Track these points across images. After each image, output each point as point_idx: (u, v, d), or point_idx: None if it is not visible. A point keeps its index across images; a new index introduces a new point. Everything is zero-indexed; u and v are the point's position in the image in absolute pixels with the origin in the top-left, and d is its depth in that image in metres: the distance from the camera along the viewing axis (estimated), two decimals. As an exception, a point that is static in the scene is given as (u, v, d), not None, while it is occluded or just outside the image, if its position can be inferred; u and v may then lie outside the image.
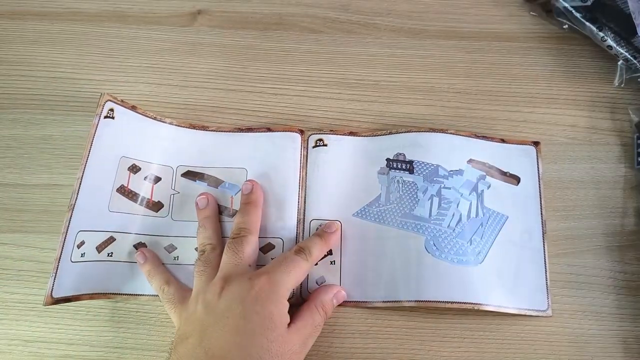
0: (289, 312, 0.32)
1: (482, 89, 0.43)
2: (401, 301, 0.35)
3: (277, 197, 0.38)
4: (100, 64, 0.43)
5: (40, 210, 0.39)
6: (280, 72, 0.44)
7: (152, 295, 0.36)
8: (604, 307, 0.37)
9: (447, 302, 0.34)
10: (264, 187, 0.38)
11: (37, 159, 0.40)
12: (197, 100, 0.42)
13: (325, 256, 0.37)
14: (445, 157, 0.39)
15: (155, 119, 0.39)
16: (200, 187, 0.39)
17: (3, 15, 0.45)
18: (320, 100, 0.43)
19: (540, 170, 0.40)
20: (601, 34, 0.42)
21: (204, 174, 0.39)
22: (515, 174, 0.39)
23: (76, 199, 0.34)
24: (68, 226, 0.34)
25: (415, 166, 0.39)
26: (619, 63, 0.42)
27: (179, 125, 0.40)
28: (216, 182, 0.39)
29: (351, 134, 0.41)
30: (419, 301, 0.35)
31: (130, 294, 0.36)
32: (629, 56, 0.41)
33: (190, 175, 0.39)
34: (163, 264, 0.36)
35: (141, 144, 0.38)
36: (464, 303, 0.34)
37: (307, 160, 0.39)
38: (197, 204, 0.38)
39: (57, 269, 0.33)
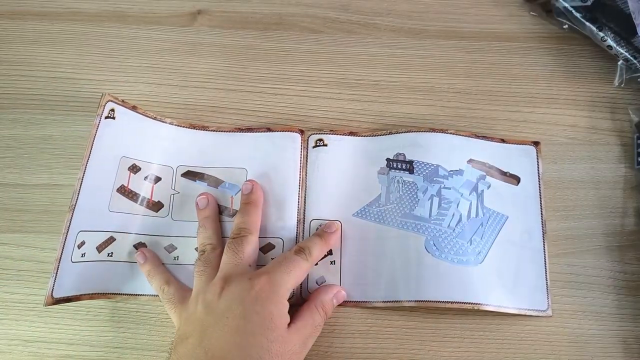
0: (289, 312, 0.32)
1: (482, 89, 0.43)
2: (401, 301, 0.35)
3: (277, 197, 0.38)
4: (100, 64, 0.43)
5: (40, 210, 0.39)
6: (280, 72, 0.44)
7: (152, 295, 0.36)
8: (604, 307, 0.37)
9: (447, 302, 0.34)
10: (264, 187, 0.38)
11: (37, 159, 0.40)
12: (197, 100, 0.42)
13: (325, 256, 0.37)
14: (445, 157, 0.39)
15: (155, 119, 0.39)
16: (200, 187, 0.39)
17: (3, 15, 0.45)
18: (320, 100, 0.43)
19: (540, 170, 0.40)
20: (601, 34, 0.42)
21: (204, 174, 0.39)
22: (515, 174, 0.39)
23: (77, 199, 0.34)
24: (69, 226, 0.34)
25: (415, 166, 0.39)
26: (619, 63, 0.42)
27: (179, 125, 0.40)
28: (216, 182, 0.39)
29: (351, 134, 0.41)
30: (419, 301, 0.35)
31: (130, 294, 0.36)
32: (629, 56, 0.41)
33: (190, 175, 0.39)
34: (163, 264, 0.36)
35: (141, 144, 0.38)
36: (464, 303, 0.34)
37: (307, 160, 0.39)
38: (197, 204, 0.38)
39: (57, 269, 0.33)
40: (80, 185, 0.35)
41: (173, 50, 0.44)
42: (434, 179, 0.38)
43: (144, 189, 0.38)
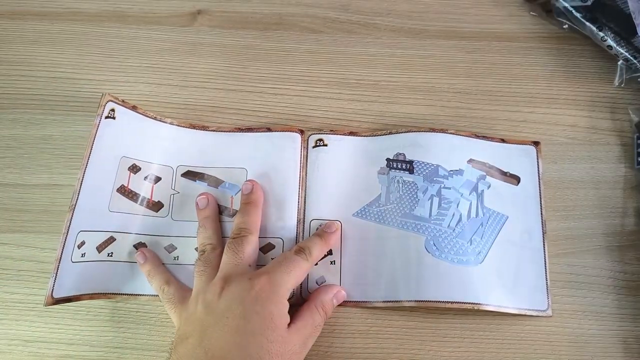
0: (289, 312, 0.32)
1: (482, 89, 0.43)
2: (401, 301, 0.35)
3: (277, 197, 0.38)
4: (100, 64, 0.43)
5: (40, 210, 0.39)
6: (280, 72, 0.44)
7: (152, 295, 0.36)
8: (604, 307, 0.37)
9: (447, 302, 0.34)
10: (264, 187, 0.38)
11: (37, 159, 0.40)
12: (197, 100, 0.42)
13: (325, 256, 0.37)
14: (445, 157, 0.39)
15: (155, 119, 0.39)
16: (200, 187, 0.39)
17: (3, 15, 0.45)
18: (320, 100, 0.43)
19: (540, 170, 0.40)
20: (601, 34, 0.42)
21: (204, 174, 0.39)
22: (515, 174, 0.39)
23: (77, 199, 0.34)
24: (69, 226, 0.34)
25: (415, 166, 0.39)
26: (619, 63, 0.42)
27: (179, 125, 0.40)
28: (216, 182, 0.39)
29: (351, 134, 0.41)
30: (419, 301, 0.35)
31: (130, 294, 0.36)
32: (629, 56, 0.41)
33: (190, 175, 0.39)
34: (163, 264, 0.36)
35: (141, 144, 0.38)
36: (464, 303, 0.34)
37: (307, 160, 0.39)
38: (197, 204, 0.38)
39: (57, 269, 0.33)
40: (80, 185, 0.35)
41: (173, 50, 0.44)
42: (434, 179, 0.38)
43: (144, 189, 0.38)
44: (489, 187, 0.39)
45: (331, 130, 0.41)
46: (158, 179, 0.39)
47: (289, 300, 0.32)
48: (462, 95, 0.43)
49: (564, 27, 0.44)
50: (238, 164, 0.39)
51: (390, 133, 0.40)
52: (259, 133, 0.40)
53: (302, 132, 0.40)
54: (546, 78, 0.44)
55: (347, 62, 0.44)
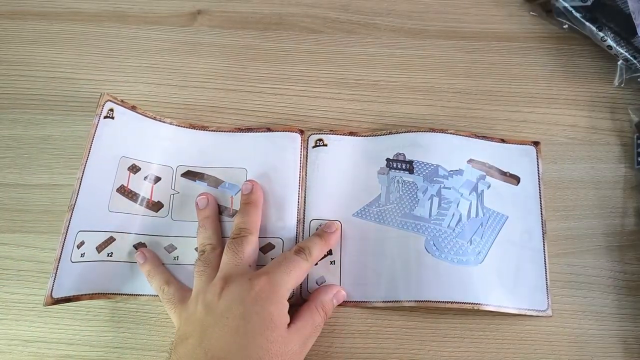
0: (289, 312, 0.32)
1: (482, 89, 0.43)
2: (401, 301, 0.35)
3: (277, 197, 0.38)
4: (100, 64, 0.43)
5: (40, 210, 0.39)
6: (280, 72, 0.44)
7: (152, 295, 0.36)
8: (604, 307, 0.37)
9: (447, 302, 0.34)
10: (264, 187, 0.38)
11: (37, 159, 0.40)
12: (197, 100, 0.42)
13: (325, 256, 0.37)
14: (445, 157, 0.39)
15: (155, 119, 0.39)
16: (200, 187, 0.39)
17: (3, 15, 0.45)
18: (320, 100, 0.43)
19: (540, 170, 0.40)
20: (601, 34, 0.42)
21: (204, 174, 0.39)
22: (515, 174, 0.39)
23: (76, 199, 0.34)
24: (68, 226, 0.34)
25: (415, 166, 0.39)
26: (619, 63, 0.42)
27: (178, 125, 0.40)
28: (216, 182, 0.39)
29: (351, 134, 0.41)
30: (419, 301, 0.35)
31: (130, 294, 0.36)
32: (629, 56, 0.41)
33: (190, 175, 0.39)
34: (163, 264, 0.36)
35: (141, 144, 0.38)
36: (464, 303, 0.34)
37: (307, 160, 0.39)
38: (197, 204, 0.38)
39: (57, 269, 0.33)
40: (79, 185, 0.34)
41: (173, 50, 0.44)
42: (434, 179, 0.38)
43: (144, 189, 0.38)
44: (488, 187, 0.39)
45: (331, 130, 0.41)
46: (158, 179, 0.39)
47: (289, 300, 0.32)
48: (462, 95, 0.43)
49: (564, 27, 0.44)
50: (238, 164, 0.39)
51: (390, 133, 0.40)
52: (258, 133, 0.40)
53: (302, 132, 0.40)
54: (546, 78, 0.44)
55: (346, 62, 0.44)
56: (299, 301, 0.35)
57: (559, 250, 0.38)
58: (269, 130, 0.40)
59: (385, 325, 0.36)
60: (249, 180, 0.38)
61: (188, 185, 0.39)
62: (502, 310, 0.35)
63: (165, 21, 0.45)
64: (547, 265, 0.37)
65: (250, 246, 0.34)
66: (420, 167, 0.39)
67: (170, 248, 0.37)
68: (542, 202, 0.39)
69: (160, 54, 0.44)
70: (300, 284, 0.36)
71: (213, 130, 0.41)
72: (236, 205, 0.38)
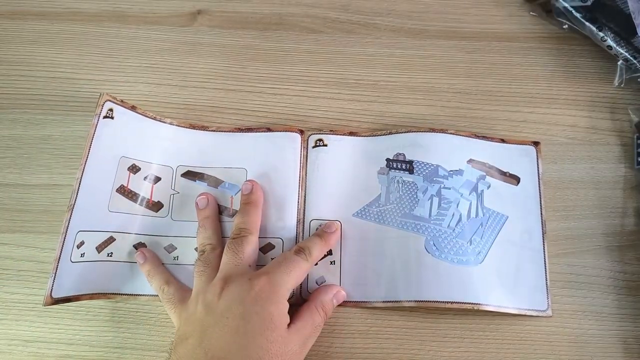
0: (289, 312, 0.32)
1: (482, 89, 0.43)
2: (401, 301, 0.35)
3: (277, 197, 0.38)
4: (100, 64, 0.43)
5: (40, 210, 0.39)
6: (279, 72, 0.44)
7: (152, 295, 0.36)
8: (604, 307, 0.37)
9: (447, 302, 0.34)
10: (263, 187, 0.38)
11: (37, 159, 0.40)
12: (197, 100, 0.42)
13: (325, 256, 0.37)
14: (445, 157, 0.39)
15: (155, 119, 0.39)
16: (200, 187, 0.39)
17: (3, 15, 0.45)
18: (320, 100, 0.43)
19: (540, 170, 0.40)
20: (601, 34, 0.42)
21: (203, 174, 0.39)
22: (515, 174, 0.39)
23: (75, 199, 0.34)
24: (67, 226, 0.34)
25: (415, 166, 0.39)
26: (619, 63, 0.42)
27: (178, 125, 0.40)
28: (216, 182, 0.39)
29: (351, 134, 0.41)
30: (419, 301, 0.35)
31: (130, 294, 0.36)
32: (629, 56, 0.41)
33: (190, 175, 0.39)
34: (163, 264, 0.36)
35: (141, 144, 0.38)
36: (464, 303, 0.34)
37: (307, 160, 0.39)
38: (197, 204, 0.38)
39: (56, 269, 0.33)
40: (79, 185, 0.34)
41: (173, 50, 0.44)
42: (434, 179, 0.38)
43: (144, 189, 0.38)
44: (488, 187, 0.39)
45: (331, 131, 0.41)
46: (158, 179, 0.39)
47: (288, 300, 0.32)
48: (462, 95, 0.43)
49: (564, 27, 0.44)
50: (238, 164, 0.39)
51: (390, 133, 0.40)
52: (258, 133, 0.40)
53: (302, 132, 0.40)
54: (546, 78, 0.44)
55: (346, 62, 0.44)
56: (299, 301, 0.35)
57: (559, 250, 0.38)
58: (269, 130, 0.40)
59: (385, 325, 0.36)
60: (249, 180, 0.38)
61: (188, 185, 0.39)
62: (502, 310, 0.35)
63: (165, 21, 0.45)
64: (547, 265, 0.37)
65: (250, 246, 0.34)
66: (420, 167, 0.39)
67: (170, 248, 0.37)
68: (542, 202, 0.39)
69: (160, 54, 0.44)
70: (300, 284, 0.36)
71: (213, 130, 0.41)
72: (236, 205, 0.38)
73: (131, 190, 0.37)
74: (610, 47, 0.42)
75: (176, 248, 0.37)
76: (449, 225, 0.37)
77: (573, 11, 0.43)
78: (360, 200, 0.38)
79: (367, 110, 0.42)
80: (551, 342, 0.36)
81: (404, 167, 0.39)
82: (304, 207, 0.38)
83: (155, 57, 0.44)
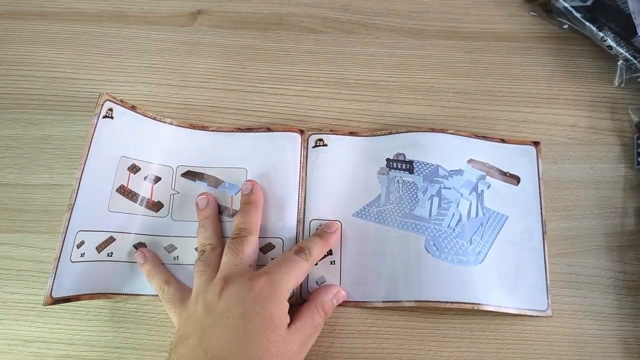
0: (289, 312, 0.32)
1: (482, 89, 0.43)
2: (401, 301, 0.35)
3: (277, 197, 0.38)
4: (100, 64, 0.43)
5: (40, 210, 0.39)
6: (280, 72, 0.44)
7: (152, 295, 0.36)
8: (604, 307, 0.37)
9: (447, 302, 0.34)
10: (264, 187, 0.38)
11: (37, 159, 0.40)
12: (197, 100, 0.42)
13: (325, 256, 0.37)
14: (445, 157, 0.39)
15: (155, 119, 0.39)
16: (200, 187, 0.39)
17: (3, 15, 0.45)
18: (320, 100, 0.43)
19: (540, 170, 0.40)
20: (601, 34, 0.42)
21: (204, 174, 0.39)
22: (515, 174, 0.39)
23: (75, 198, 0.34)
24: (67, 226, 0.34)
25: (415, 166, 0.39)
26: (619, 63, 0.42)
27: (178, 125, 0.40)
28: (216, 182, 0.39)
29: (351, 134, 0.41)
30: (419, 301, 0.35)
31: (130, 294, 0.36)
32: (629, 56, 0.41)
33: (190, 175, 0.39)
34: (163, 264, 0.36)
35: (141, 144, 0.38)
36: (464, 303, 0.34)
37: (307, 160, 0.39)
38: (197, 204, 0.38)
39: (56, 268, 0.33)
40: (79, 185, 0.35)
41: (173, 50, 0.44)
42: (434, 179, 0.38)
43: (144, 189, 0.38)
44: (488, 187, 0.39)
45: (331, 130, 0.41)
46: (158, 179, 0.39)
47: (289, 300, 0.32)
48: (462, 95, 0.43)
49: (564, 27, 0.44)
50: (238, 164, 0.39)
51: (390, 133, 0.40)
52: (258, 133, 0.40)
53: (302, 132, 0.40)
54: (546, 78, 0.44)
55: (346, 62, 0.44)
56: (299, 301, 0.35)
57: (559, 250, 0.38)
58: (269, 130, 0.40)
59: (385, 325, 0.36)
60: (249, 180, 0.38)
61: (188, 185, 0.39)
62: (502, 310, 0.35)
63: (165, 21, 0.45)
64: (547, 265, 0.37)
65: (251, 246, 0.34)
66: (420, 167, 0.39)
67: (170, 248, 0.37)
68: (542, 202, 0.39)
69: (161, 54, 0.44)
70: (300, 284, 0.36)
71: (213, 130, 0.41)
72: (236, 205, 0.38)
73: (131, 190, 0.37)
74: (610, 47, 0.42)
75: (176, 248, 0.37)
76: (449, 225, 0.37)
77: (573, 11, 0.43)
78: (360, 200, 0.38)
79: (367, 110, 0.42)
80: (551, 342, 0.36)
81: (404, 167, 0.39)
82: (304, 207, 0.38)
83: (156, 57, 0.44)
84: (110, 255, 0.35)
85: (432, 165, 0.38)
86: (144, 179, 0.38)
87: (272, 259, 0.36)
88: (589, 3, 0.42)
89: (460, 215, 0.37)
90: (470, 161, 0.39)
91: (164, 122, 0.40)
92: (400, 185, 0.39)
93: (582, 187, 0.40)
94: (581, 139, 0.41)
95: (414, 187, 0.38)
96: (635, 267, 0.38)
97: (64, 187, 0.39)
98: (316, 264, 0.36)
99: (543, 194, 0.39)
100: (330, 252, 0.37)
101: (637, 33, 0.40)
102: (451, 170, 0.38)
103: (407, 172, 0.39)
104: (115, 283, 0.35)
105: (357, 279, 0.36)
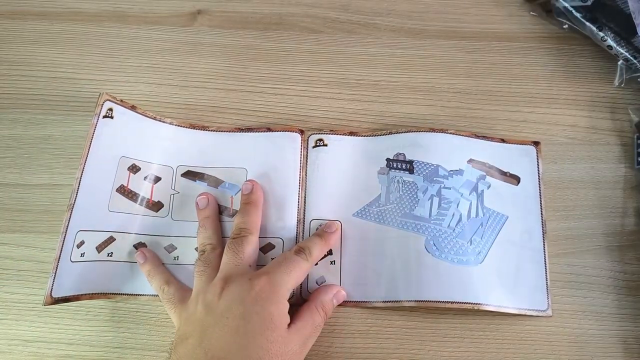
0: (289, 312, 0.32)
1: (482, 89, 0.43)
2: (401, 301, 0.35)
3: (277, 197, 0.38)
4: (101, 64, 0.43)
5: (40, 210, 0.39)
6: (280, 72, 0.44)
7: (152, 295, 0.36)
8: (604, 307, 0.37)
9: (447, 302, 0.34)
10: (264, 187, 0.38)
11: (37, 159, 0.40)
12: (197, 100, 0.42)
13: (325, 256, 0.37)
14: (445, 157, 0.39)
15: (155, 118, 0.39)
16: (200, 187, 0.39)
17: (3, 15, 0.45)
18: (321, 100, 0.43)
19: (540, 170, 0.40)
20: (601, 34, 0.42)
21: (204, 174, 0.39)
22: (515, 174, 0.39)
23: (75, 198, 0.34)
24: (67, 226, 0.34)
25: (415, 166, 0.39)
26: (619, 63, 0.42)
27: (179, 125, 0.40)
28: (216, 182, 0.39)
29: (351, 134, 0.41)
30: (419, 301, 0.35)
31: (130, 294, 0.36)
32: (629, 56, 0.41)
33: (190, 175, 0.39)
34: (163, 264, 0.36)
35: (141, 144, 0.38)
36: (464, 303, 0.34)
37: (307, 160, 0.39)
38: (197, 204, 0.38)
39: (56, 268, 0.33)
40: (79, 185, 0.35)
41: (173, 50, 0.44)
42: (434, 179, 0.38)
43: (144, 189, 0.38)
44: (489, 187, 0.39)
45: (331, 130, 0.41)
46: (158, 179, 0.39)
47: (289, 300, 0.32)
48: (462, 95, 0.43)
49: (564, 27, 0.44)
50: (238, 164, 0.39)
51: (390, 133, 0.40)
52: (259, 133, 0.40)
53: (302, 132, 0.40)
54: (546, 78, 0.44)
55: (347, 62, 0.44)
56: (299, 301, 0.35)
57: (559, 250, 0.38)
58: (269, 130, 0.40)
59: (385, 325, 0.36)
60: (249, 180, 0.38)
61: (188, 185, 0.39)
62: (502, 310, 0.35)
63: (166, 21, 0.45)
64: (547, 265, 0.37)
65: (251, 246, 0.34)
66: (420, 167, 0.39)
67: (170, 248, 0.37)
68: (542, 202, 0.39)
69: (161, 54, 0.44)
70: (300, 284, 0.36)
71: (213, 130, 0.41)
72: (236, 205, 0.38)
73: (131, 190, 0.37)
74: (610, 47, 0.42)
75: (176, 248, 0.37)
76: (449, 225, 0.37)
77: (573, 11, 0.43)
78: (360, 200, 0.38)
79: (367, 110, 0.42)
80: (551, 342, 0.36)
81: (404, 167, 0.39)
82: (304, 207, 0.38)
83: (156, 57, 0.44)
84: (110, 255, 0.35)
85: (432, 165, 0.39)
86: (144, 179, 0.38)
87: (272, 259, 0.36)
88: (589, 3, 0.42)
89: (460, 215, 0.37)
90: (470, 161, 0.39)
91: (164, 122, 0.40)
92: (400, 185, 0.39)
93: (582, 187, 0.40)
94: (581, 139, 0.41)
95: (414, 187, 0.38)
96: (635, 267, 0.38)
97: (64, 187, 0.39)
98: (316, 264, 0.36)
99: (543, 194, 0.39)
100: (330, 252, 0.37)
101: (637, 33, 0.40)
102: (451, 170, 0.38)
103: (407, 172, 0.39)
104: (115, 283, 0.35)
105: (357, 279, 0.36)
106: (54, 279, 0.33)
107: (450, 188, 0.38)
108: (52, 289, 0.32)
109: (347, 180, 0.39)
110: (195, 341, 0.30)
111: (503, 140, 0.40)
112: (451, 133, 0.40)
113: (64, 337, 0.36)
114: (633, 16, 0.40)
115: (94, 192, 0.35)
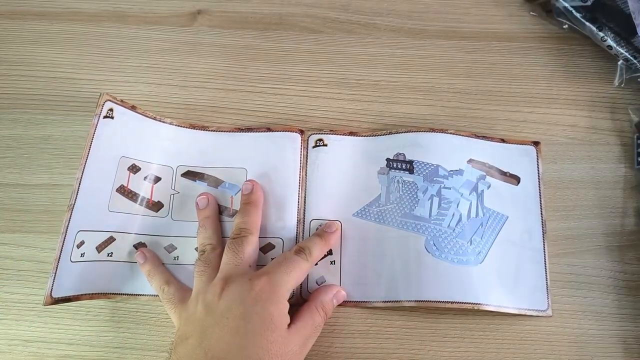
0: (289, 312, 0.32)
1: (482, 89, 0.43)
2: (401, 301, 0.35)
3: (277, 197, 0.38)
4: (100, 64, 0.43)
5: (40, 210, 0.39)
6: (280, 72, 0.44)
7: (152, 295, 0.36)
8: (604, 307, 0.37)
9: (447, 302, 0.34)
10: (264, 187, 0.38)
11: (37, 159, 0.40)
12: (197, 100, 0.42)
13: (325, 256, 0.37)
14: (445, 157, 0.39)
15: (155, 119, 0.39)
16: (200, 187, 0.39)
17: (3, 15, 0.45)
18: (320, 100, 0.43)
19: (540, 170, 0.40)
20: (601, 34, 0.42)
21: (204, 174, 0.39)
22: (515, 174, 0.39)
23: (75, 198, 0.34)
24: (67, 226, 0.34)
25: (415, 166, 0.39)
26: (619, 63, 0.42)
27: (179, 125, 0.40)
28: (216, 182, 0.39)
29: (351, 134, 0.41)
30: (419, 301, 0.35)
31: (130, 294, 0.36)
32: (629, 56, 0.41)
33: (190, 175, 0.39)
34: (163, 264, 0.36)
35: (141, 144, 0.38)
36: (464, 303, 0.34)
37: (307, 160, 0.39)
38: (197, 204, 0.38)
39: (56, 268, 0.33)
40: (79, 185, 0.35)
41: (173, 50, 0.44)
42: (434, 179, 0.38)
43: (144, 189, 0.38)
44: (489, 187, 0.39)
45: (331, 130, 0.41)
46: (158, 179, 0.39)
47: (289, 300, 0.32)
48: (462, 95, 0.43)
49: (564, 27, 0.44)
50: (238, 164, 0.39)
51: (390, 133, 0.40)
52: (259, 133, 0.40)
53: (302, 132, 0.40)
54: (546, 78, 0.44)
55: (347, 62, 0.44)
56: (299, 301, 0.35)
57: (559, 250, 0.38)
58: (269, 130, 0.40)
59: (385, 325, 0.36)
60: (249, 180, 0.38)
61: (188, 185, 0.39)
62: (502, 310, 0.35)
63: (165, 21, 0.45)
64: (547, 265, 0.37)
65: (251, 246, 0.34)
66: (420, 167, 0.39)
67: (170, 248, 0.37)
68: (542, 202, 0.39)
69: (161, 54, 0.44)
70: (301, 284, 0.36)
71: (213, 130, 0.41)
72: (236, 205, 0.38)
73: (131, 190, 0.37)
74: (610, 47, 0.42)
75: (176, 248, 0.37)
76: (449, 225, 0.37)
77: (573, 11, 0.43)
78: (360, 200, 0.38)
79: (367, 110, 0.42)
80: (551, 342, 0.36)
81: (404, 167, 0.39)
82: (304, 207, 0.38)
83: (156, 57, 0.44)
84: (110, 255, 0.35)
85: (432, 165, 0.39)
86: (144, 179, 0.38)
87: (272, 259, 0.36)
88: (589, 3, 0.42)
89: (460, 215, 0.37)
90: (470, 161, 0.39)
91: (164, 122, 0.40)
92: (400, 185, 0.39)
93: (582, 187, 0.40)
94: (581, 139, 0.41)
95: (414, 187, 0.38)
96: (635, 267, 0.38)
97: (64, 187, 0.39)
98: (316, 264, 0.36)
99: (543, 193, 0.39)
100: (330, 252, 0.37)
101: (637, 33, 0.40)
102: (451, 170, 0.38)
103: (407, 172, 0.39)
104: (115, 283, 0.35)
105: (357, 279, 0.36)
106: (54, 279, 0.33)
107: (450, 188, 0.38)
108: (52, 289, 0.32)
109: (347, 180, 0.39)
110: (195, 341, 0.30)
111: (503, 140, 0.40)
112: (451, 133, 0.40)
113: (64, 337, 0.36)
114: (633, 16, 0.40)
115: (94, 192, 0.35)
